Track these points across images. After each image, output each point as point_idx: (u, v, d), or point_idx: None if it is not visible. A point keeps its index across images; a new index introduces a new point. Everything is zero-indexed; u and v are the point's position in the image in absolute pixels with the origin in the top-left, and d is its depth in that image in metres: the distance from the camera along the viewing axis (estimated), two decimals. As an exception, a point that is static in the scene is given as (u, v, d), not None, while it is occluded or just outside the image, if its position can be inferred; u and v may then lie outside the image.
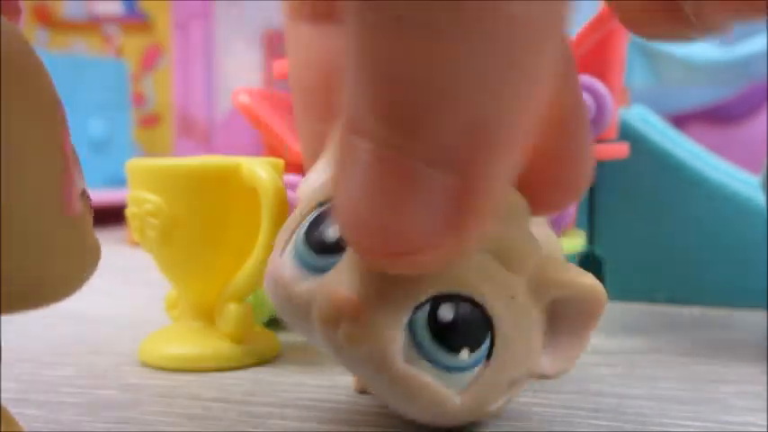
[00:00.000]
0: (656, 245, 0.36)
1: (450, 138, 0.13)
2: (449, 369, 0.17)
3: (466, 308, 0.17)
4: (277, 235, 0.20)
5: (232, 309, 0.26)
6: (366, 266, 0.17)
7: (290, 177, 0.31)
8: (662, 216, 0.36)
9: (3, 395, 0.22)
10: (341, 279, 0.17)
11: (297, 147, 0.32)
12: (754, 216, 0.35)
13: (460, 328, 0.17)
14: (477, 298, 0.17)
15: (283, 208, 0.25)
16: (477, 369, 0.17)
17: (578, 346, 0.19)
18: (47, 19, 1.18)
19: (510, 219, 0.18)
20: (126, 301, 0.38)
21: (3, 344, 0.29)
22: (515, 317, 0.17)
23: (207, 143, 1.10)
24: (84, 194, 0.14)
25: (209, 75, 1.17)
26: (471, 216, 0.14)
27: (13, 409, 0.15)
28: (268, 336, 0.28)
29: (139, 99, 1.14)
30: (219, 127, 1.08)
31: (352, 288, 0.16)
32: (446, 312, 0.17)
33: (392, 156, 0.14)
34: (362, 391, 0.23)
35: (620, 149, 0.32)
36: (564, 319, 0.18)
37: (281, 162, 0.28)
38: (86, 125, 0.82)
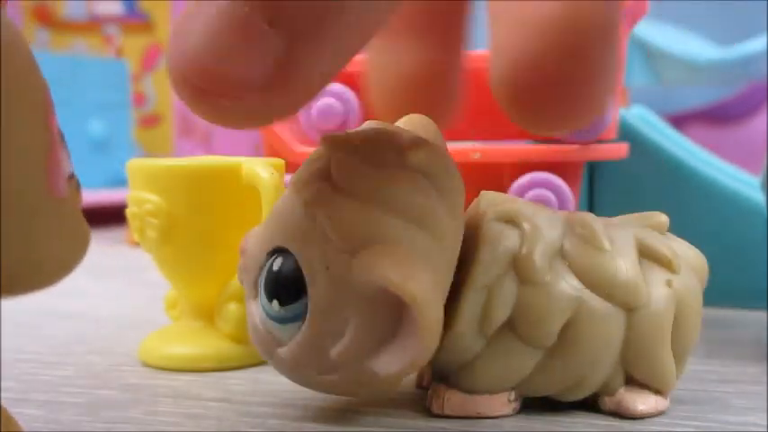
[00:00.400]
0: (656, 245, 0.36)
1: (295, 8, 0.15)
2: (269, 316, 0.19)
3: (290, 264, 0.19)
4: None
5: (232, 309, 0.26)
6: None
7: (290, 177, 0.31)
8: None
9: (3, 395, 0.22)
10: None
11: (297, 146, 0.32)
12: (754, 216, 0.35)
13: (278, 281, 0.19)
14: (300, 260, 0.19)
15: (283, 208, 0.25)
16: (294, 326, 0.19)
17: (408, 348, 0.18)
18: (47, 19, 1.18)
19: (366, 199, 0.18)
20: (126, 301, 0.38)
21: (3, 344, 0.29)
22: (329, 288, 0.18)
23: (207, 143, 1.10)
24: (72, 178, 0.14)
25: (210, 75, 1.17)
26: (289, 80, 0.15)
27: (13, 409, 0.15)
28: (268, 336, 0.28)
29: (140, 99, 1.14)
30: (219, 127, 1.08)
31: (247, 234, 0.21)
32: (277, 263, 0.19)
33: (239, 9, 0.15)
34: (420, 386, 0.24)
35: (620, 149, 0.32)
36: (399, 321, 0.18)
37: (281, 162, 0.28)
38: (86, 125, 0.82)
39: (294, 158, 0.31)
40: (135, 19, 1.18)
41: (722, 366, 0.26)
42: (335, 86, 0.32)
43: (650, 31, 0.56)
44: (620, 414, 0.21)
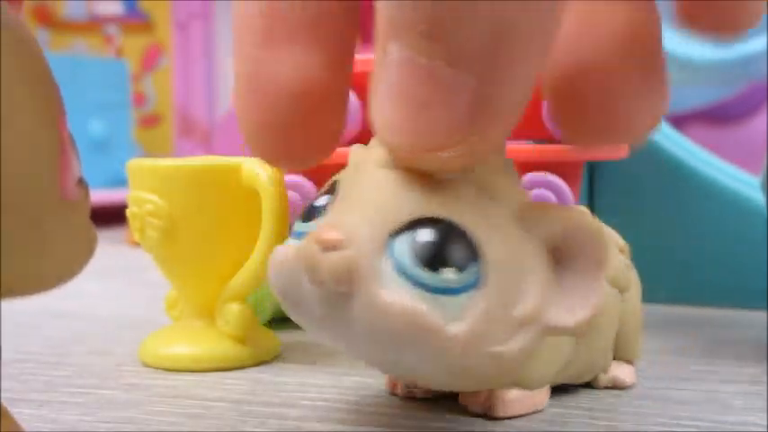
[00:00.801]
0: (656, 245, 0.36)
1: (474, 41, 0.14)
2: (434, 290, 0.16)
3: (446, 229, 0.17)
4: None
5: (234, 309, 0.26)
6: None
7: (291, 177, 0.31)
8: (662, 216, 0.36)
9: (3, 395, 0.22)
10: (320, 225, 0.17)
11: None
12: (754, 216, 0.35)
13: (441, 248, 0.17)
14: (457, 221, 0.17)
15: (284, 208, 0.25)
16: (468, 296, 0.17)
17: (591, 289, 0.18)
18: (47, 19, 1.18)
19: (493, 157, 0.18)
20: (126, 301, 0.38)
21: (3, 344, 0.29)
22: (503, 243, 0.17)
23: (207, 143, 1.10)
24: (81, 182, 0.14)
25: (210, 75, 1.17)
26: (489, 116, 0.15)
27: (13, 409, 0.15)
28: (268, 336, 0.28)
29: (140, 99, 1.14)
30: (219, 127, 1.08)
31: (328, 225, 0.17)
32: (425, 234, 0.17)
33: (419, 58, 0.15)
34: (393, 393, 0.23)
35: (620, 149, 0.32)
36: (567, 264, 0.18)
37: (281, 162, 0.28)
38: (86, 125, 0.82)
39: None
40: (135, 19, 1.18)
41: (722, 366, 0.26)
42: None
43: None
44: (616, 387, 0.24)
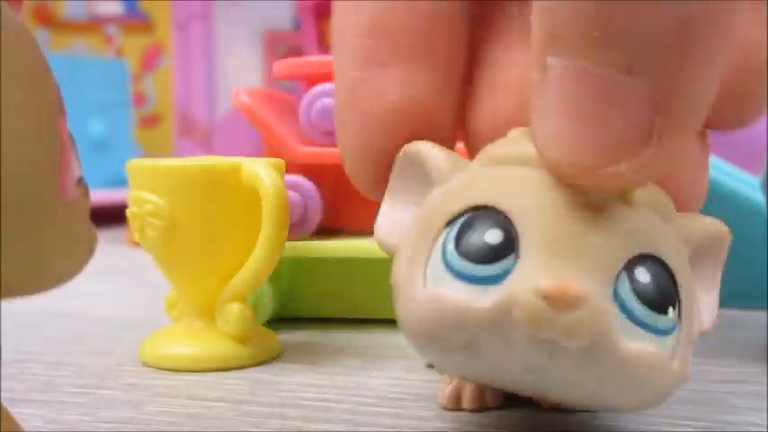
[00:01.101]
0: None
1: (653, 44, 0.13)
2: (662, 332, 0.16)
3: (655, 266, 0.16)
4: (398, 274, 0.17)
5: (234, 309, 0.26)
6: (553, 248, 0.15)
7: (291, 177, 0.31)
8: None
9: (3, 395, 0.22)
10: (534, 274, 0.15)
11: (297, 147, 0.32)
12: (754, 216, 0.35)
13: (660, 286, 0.16)
14: (660, 255, 0.16)
15: (284, 208, 0.25)
16: (677, 330, 0.16)
17: (714, 289, 0.18)
18: (47, 19, 1.18)
19: None
20: (126, 301, 0.38)
21: (3, 344, 0.29)
22: (683, 267, 0.17)
23: (207, 143, 1.10)
24: (81, 182, 0.14)
25: (210, 75, 1.17)
26: (670, 123, 0.14)
27: (12, 409, 0.15)
28: (268, 336, 0.28)
29: (140, 99, 1.14)
30: (219, 127, 1.08)
31: (554, 277, 0.15)
32: (642, 275, 0.16)
33: (590, 67, 0.14)
34: (455, 408, 0.22)
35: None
36: (700, 267, 0.18)
37: (281, 162, 0.28)
38: (86, 125, 0.82)
39: (294, 159, 0.31)
40: (135, 19, 1.18)
41: (722, 366, 0.26)
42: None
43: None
44: None
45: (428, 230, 0.17)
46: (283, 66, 0.34)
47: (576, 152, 0.15)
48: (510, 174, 0.17)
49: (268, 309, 0.31)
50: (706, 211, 0.37)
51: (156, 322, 0.30)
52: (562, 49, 0.14)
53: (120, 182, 0.78)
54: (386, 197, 0.19)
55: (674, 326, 0.16)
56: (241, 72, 1.20)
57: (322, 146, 0.32)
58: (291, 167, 0.31)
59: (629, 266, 0.16)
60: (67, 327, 0.32)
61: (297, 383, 0.24)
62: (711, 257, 0.18)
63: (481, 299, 0.16)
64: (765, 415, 0.21)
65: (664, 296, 0.16)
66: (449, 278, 0.16)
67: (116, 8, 1.18)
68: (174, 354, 0.26)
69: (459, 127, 0.20)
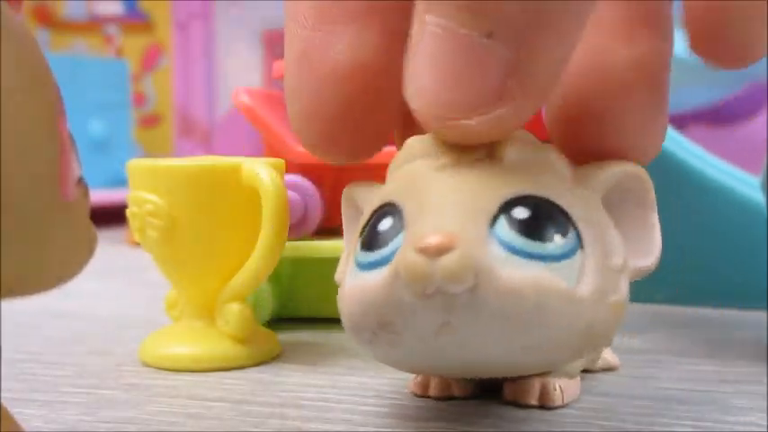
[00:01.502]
0: (656, 245, 0.36)
1: (514, 14, 0.15)
2: (550, 258, 0.17)
3: (537, 203, 0.17)
4: (337, 276, 0.21)
5: (234, 309, 0.26)
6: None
7: (291, 177, 0.31)
8: (661, 216, 0.36)
9: (3, 395, 0.22)
10: (411, 237, 0.16)
11: (297, 147, 0.32)
12: (754, 216, 0.35)
13: (541, 218, 0.17)
14: (541, 194, 0.17)
15: (284, 208, 0.25)
16: (577, 257, 0.17)
17: (652, 229, 0.19)
18: (47, 19, 1.18)
19: (534, 140, 0.19)
20: (126, 301, 0.38)
21: (3, 344, 0.29)
22: (582, 204, 0.18)
23: (207, 143, 1.10)
24: (81, 182, 0.14)
25: (210, 75, 1.17)
26: (521, 86, 0.16)
27: (13, 409, 0.15)
28: (268, 336, 0.28)
29: (140, 99, 1.14)
30: (219, 127, 1.08)
31: (431, 230, 0.16)
32: (520, 212, 0.17)
33: (456, 29, 0.15)
34: (422, 394, 0.23)
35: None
36: (623, 210, 0.19)
37: (281, 162, 0.28)
38: (86, 125, 0.82)
39: (294, 158, 0.31)
40: (135, 19, 1.18)
41: (722, 366, 0.26)
42: None
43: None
44: (609, 370, 0.25)
45: (354, 235, 0.19)
46: (283, 66, 0.34)
47: (435, 102, 0.16)
48: (402, 171, 0.19)
49: (268, 309, 0.31)
50: (706, 210, 0.37)
51: (156, 322, 0.30)
52: (436, 9, 0.16)
53: (120, 182, 0.78)
54: (344, 242, 0.22)
55: (568, 252, 0.17)
56: (241, 72, 1.20)
57: None
58: (291, 167, 0.31)
59: (507, 208, 0.17)
60: (67, 327, 0.32)
61: (297, 383, 0.24)
62: (632, 196, 0.19)
63: (377, 278, 0.17)
64: (765, 415, 0.21)
65: (545, 225, 0.17)
66: (358, 272, 0.18)
67: (116, 8, 1.18)
68: (174, 354, 0.26)
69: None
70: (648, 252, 0.19)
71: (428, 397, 0.23)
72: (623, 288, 0.18)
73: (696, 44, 0.19)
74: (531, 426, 0.20)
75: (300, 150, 0.32)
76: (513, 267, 0.16)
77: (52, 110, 0.13)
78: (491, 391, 0.23)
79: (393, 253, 0.17)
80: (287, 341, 0.29)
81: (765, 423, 0.21)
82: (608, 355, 0.25)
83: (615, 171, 0.19)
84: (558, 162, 0.19)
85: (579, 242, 0.17)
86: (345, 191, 0.22)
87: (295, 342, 0.29)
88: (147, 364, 0.26)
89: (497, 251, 0.16)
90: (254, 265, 0.26)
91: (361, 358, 0.27)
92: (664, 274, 0.36)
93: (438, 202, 0.17)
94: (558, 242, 0.17)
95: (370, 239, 0.18)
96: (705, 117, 0.58)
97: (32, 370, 0.26)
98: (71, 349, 0.28)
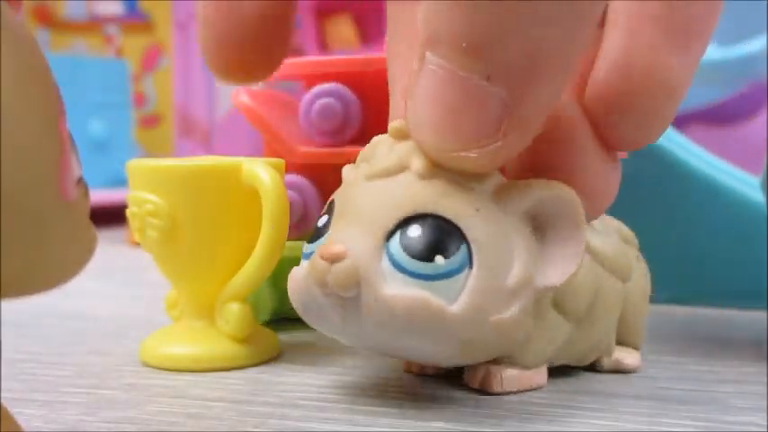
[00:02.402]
0: (655, 245, 0.36)
1: (511, 60, 0.16)
2: (431, 278, 0.19)
3: (431, 223, 0.19)
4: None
5: (234, 308, 0.26)
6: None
7: (291, 177, 0.31)
8: (662, 216, 0.36)
9: (3, 395, 0.22)
10: (324, 243, 0.20)
11: (297, 147, 0.32)
12: (754, 216, 0.35)
13: (428, 239, 0.19)
14: (441, 213, 0.19)
15: (284, 208, 0.25)
16: (461, 277, 0.19)
17: (573, 248, 0.20)
18: (47, 19, 1.18)
19: None
20: (126, 301, 0.38)
21: (3, 344, 0.29)
22: (486, 225, 0.19)
23: (207, 143, 1.10)
24: (80, 182, 0.14)
25: (210, 75, 1.17)
26: (514, 125, 0.17)
27: (13, 409, 0.15)
28: (268, 336, 0.28)
29: (140, 99, 1.14)
30: (219, 127, 1.08)
31: (330, 241, 0.19)
32: (413, 231, 0.19)
33: (458, 71, 0.17)
34: (408, 370, 0.25)
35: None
36: (549, 228, 0.20)
37: (281, 162, 0.28)
38: (86, 125, 0.82)
39: (294, 158, 0.31)
40: (135, 19, 1.18)
41: (722, 366, 0.26)
42: (335, 86, 0.32)
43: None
44: (619, 371, 0.25)
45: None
46: (283, 65, 0.34)
47: (437, 137, 0.18)
48: (349, 172, 0.21)
49: (267, 308, 0.31)
50: (707, 211, 0.37)
51: (156, 322, 0.30)
52: (438, 49, 0.17)
53: (120, 182, 0.78)
54: None
55: (451, 272, 0.19)
56: (241, 72, 1.20)
57: (322, 146, 0.32)
58: (291, 167, 0.31)
59: (405, 224, 0.19)
60: (67, 327, 0.32)
61: (297, 383, 0.24)
62: (558, 216, 0.20)
63: (302, 270, 0.20)
64: (765, 415, 0.21)
65: (430, 246, 0.19)
66: (302, 261, 0.21)
67: (116, 8, 1.18)
68: (174, 354, 0.26)
69: None
70: (560, 270, 0.20)
71: (412, 373, 0.25)
72: (513, 308, 0.19)
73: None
74: (532, 425, 0.20)
75: (300, 150, 0.32)
76: (395, 283, 0.19)
77: (52, 110, 0.13)
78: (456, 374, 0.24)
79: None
80: (287, 341, 0.29)
81: (765, 423, 0.21)
82: (624, 356, 0.25)
83: (539, 192, 0.20)
84: (485, 179, 0.20)
85: (468, 263, 0.19)
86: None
87: (295, 342, 0.29)
88: (147, 364, 0.26)
89: (385, 266, 0.19)
90: (255, 264, 0.26)
91: (361, 358, 0.27)
92: (663, 274, 0.36)
93: (351, 212, 0.20)
94: (440, 263, 0.19)
95: (313, 233, 0.21)
96: (705, 117, 0.58)
97: (32, 370, 0.26)
98: (71, 349, 0.28)
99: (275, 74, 0.34)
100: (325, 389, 0.24)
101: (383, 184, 0.20)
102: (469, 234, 0.19)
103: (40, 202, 0.12)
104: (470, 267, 0.19)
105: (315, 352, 0.28)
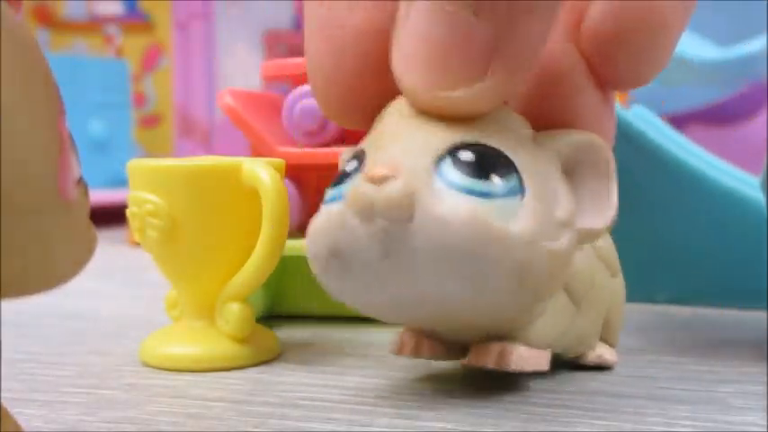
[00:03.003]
0: (655, 245, 0.36)
1: None
2: (487, 195, 0.18)
3: (481, 149, 0.18)
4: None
5: (234, 309, 0.26)
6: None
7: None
8: (662, 216, 0.36)
9: (3, 395, 0.22)
10: (365, 169, 0.18)
11: (278, 147, 0.32)
12: (754, 216, 0.35)
13: (483, 161, 0.18)
14: (489, 143, 0.19)
15: (284, 208, 0.25)
16: (516, 200, 0.18)
17: (609, 194, 0.20)
18: (47, 19, 1.18)
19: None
20: (126, 301, 0.38)
21: (3, 344, 0.29)
22: (530, 157, 0.19)
23: (207, 143, 1.10)
24: (80, 182, 0.14)
25: (210, 75, 1.17)
26: (501, 63, 0.17)
27: (13, 409, 0.15)
28: (268, 336, 0.28)
29: (140, 99, 1.14)
30: (219, 127, 1.08)
31: (380, 162, 0.18)
32: (465, 155, 0.18)
33: (443, 5, 0.17)
34: (400, 352, 0.23)
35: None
36: (580, 178, 0.20)
37: (281, 162, 0.28)
38: (86, 125, 0.82)
39: (277, 158, 0.32)
40: (135, 19, 1.18)
41: (722, 366, 0.26)
42: None
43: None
44: (601, 365, 0.25)
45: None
46: (271, 67, 0.35)
47: (422, 75, 0.17)
48: (376, 125, 0.20)
49: (258, 307, 0.31)
50: (706, 210, 0.37)
51: (156, 322, 0.30)
52: None
53: (120, 182, 0.78)
54: None
55: (507, 192, 0.18)
56: (241, 72, 1.20)
57: (305, 146, 0.33)
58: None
59: (454, 150, 0.18)
60: (67, 327, 0.32)
61: (297, 383, 0.24)
62: (589, 166, 0.20)
63: (332, 208, 0.19)
64: (765, 415, 0.21)
65: (485, 167, 0.18)
66: (322, 207, 0.20)
67: (116, 8, 1.18)
68: (174, 354, 0.26)
69: None
70: (601, 214, 0.20)
71: (403, 355, 0.23)
72: (564, 240, 0.19)
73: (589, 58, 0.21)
74: (532, 425, 0.20)
75: (281, 150, 0.32)
76: (451, 199, 0.18)
77: (53, 110, 0.13)
78: (458, 353, 0.23)
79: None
80: (287, 341, 0.29)
81: (765, 423, 0.21)
82: (604, 351, 0.25)
83: (573, 139, 0.20)
84: (517, 123, 0.20)
85: (521, 189, 0.18)
86: (343, 152, 0.23)
87: (295, 342, 0.29)
88: (147, 364, 0.26)
89: (439, 185, 0.18)
90: (255, 264, 0.26)
91: (361, 358, 0.27)
92: (664, 274, 0.36)
93: (392, 141, 0.19)
94: (496, 182, 0.18)
95: (338, 179, 0.20)
96: (705, 117, 0.58)
97: (32, 370, 0.26)
98: (71, 349, 0.28)
99: (263, 73, 0.35)
100: (325, 389, 0.24)
101: (426, 119, 0.19)
102: (519, 164, 0.19)
103: (40, 201, 0.12)
104: (522, 193, 0.18)
105: (315, 352, 0.28)
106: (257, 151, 0.33)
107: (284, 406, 0.22)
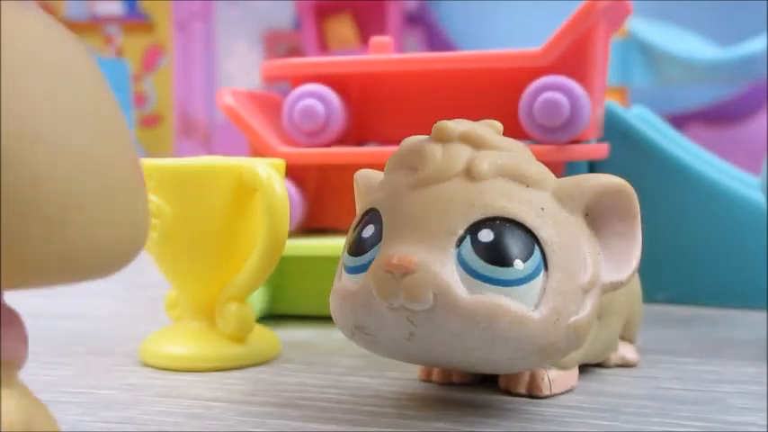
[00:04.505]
0: (656, 245, 0.36)
1: None
2: (510, 284, 0.18)
3: (502, 226, 0.18)
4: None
5: (234, 309, 0.26)
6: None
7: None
8: (662, 216, 0.36)
9: (3, 395, 0.22)
10: (384, 252, 0.19)
11: (279, 147, 0.32)
12: (754, 216, 0.35)
13: (504, 243, 0.18)
14: (509, 215, 0.18)
15: (284, 208, 0.25)
16: (539, 280, 0.18)
17: (632, 242, 0.20)
18: (47, 19, 1.18)
19: (517, 151, 0.20)
20: (126, 301, 0.38)
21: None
22: (553, 224, 0.19)
23: (207, 143, 1.10)
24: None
25: (210, 75, 1.17)
26: None
27: (13, 409, 0.15)
28: (268, 336, 0.28)
29: (140, 99, 1.14)
30: (220, 127, 1.08)
31: (396, 251, 0.18)
32: (485, 235, 0.18)
33: None
34: (427, 379, 0.24)
35: (600, 149, 0.32)
36: (606, 222, 0.20)
37: (281, 162, 0.28)
38: (87, 125, 0.82)
39: (277, 158, 0.32)
40: (135, 19, 1.18)
41: (722, 366, 0.26)
42: (318, 87, 0.33)
43: (650, 30, 0.55)
44: (624, 365, 0.25)
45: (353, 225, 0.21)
46: (271, 67, 0.35)
47: None
48: (388, 178, 0.20)
49: (259, 307, 0.31)
50: (706, 210, 0.37)
51: (156, 322, 0.30)
52: None
53: (121, 182, 0.77)
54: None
55: (529, 276, 0.18)
56: (241, 72, 1.20)
57: (305, 146, 0.33)
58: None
59: (474, 229, 0.18)
60: (67, 327, 0.32)
61: (297, 383, 0.24)
62: (615, 209, 0.20)
63: (356, 284, 0.19)
64: (765, 415, 0.21)
65: (508, 251, 0.18)
66: (344, 274, 0.20)
67: (116, 8, 1.18)
68: (174, 354, 0.26)
69: None
70: (624, 266, 0.20)
71: (431, 382, 0.24)
72: (588, 306, 0.19)
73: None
74: (532, 425, 0.20)
75: (280, 150, 0.32)
76: (471, 291, 0.18)
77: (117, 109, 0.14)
78: (488, 379, 0.23)
79: (371, 262, 0.19)
80: (286, 341, 0.29)
81: (765, 423, 0.21)
82: (627, 352, 0.26)
83: (598, 183, 0.20)
84: (541, 180, 0.19)
85: (544, 264, 0.18)
86: (355, 176, 0.23)
87: (295, 342, 0.29)
88: (147, 364, 0.26)
89: (459, 273, 0.18)
90: (255, 264, 0.26)
91: (361, 358, 0.27)
92: (664, 274, 0.36)
93: (408, 221, 0.19)
94: (518, 267, 0.18)
95: (356, 245, 0.20)
96: (705, 117, 0.58)
97: (32, 370, 0.26)
98: (71, 349, 0.28)
99: (263, 73, 0.35)
100: (325, 389, 0.24)
101: (439, 189, 0.19)
102: (540, 234, 0.18)
103: (136, 182, 0.14)
104: (546, 269, 0.18)
105: (315, 352, 0.28)
106: (257, 151, 0.33)
107: (284, 406, 0.22)
